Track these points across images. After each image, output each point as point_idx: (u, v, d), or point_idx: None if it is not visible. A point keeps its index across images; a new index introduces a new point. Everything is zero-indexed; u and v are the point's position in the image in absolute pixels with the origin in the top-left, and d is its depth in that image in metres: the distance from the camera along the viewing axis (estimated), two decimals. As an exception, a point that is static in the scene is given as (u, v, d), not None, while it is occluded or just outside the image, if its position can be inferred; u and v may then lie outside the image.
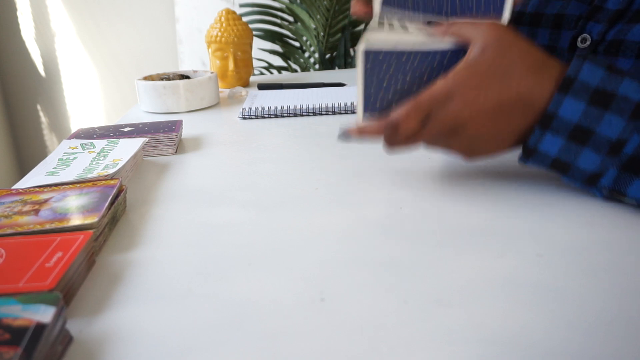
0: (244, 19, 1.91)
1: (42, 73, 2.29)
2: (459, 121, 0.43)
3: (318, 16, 1.84)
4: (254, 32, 1.90)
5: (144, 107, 0.91)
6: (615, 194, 0.42)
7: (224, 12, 1.06)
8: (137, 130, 0.70)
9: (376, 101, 0.46)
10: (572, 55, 0.57)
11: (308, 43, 1.96)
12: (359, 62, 0.45)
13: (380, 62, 0.45)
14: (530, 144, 0.43)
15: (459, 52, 0.44)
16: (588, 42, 0.55)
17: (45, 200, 0.45)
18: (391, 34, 0.45)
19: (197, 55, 2.21)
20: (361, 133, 0.46)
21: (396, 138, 0.45)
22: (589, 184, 0.43)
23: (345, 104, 0.82)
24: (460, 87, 0.42)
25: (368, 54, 0.45)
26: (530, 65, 0.42)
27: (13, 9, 2.19)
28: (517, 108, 0.42)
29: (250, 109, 0.83)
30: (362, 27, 1.96)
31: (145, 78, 0.95)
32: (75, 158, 0.58)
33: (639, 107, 0.39)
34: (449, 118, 0.43)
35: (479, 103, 0.42)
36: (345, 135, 0.47)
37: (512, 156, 0.57)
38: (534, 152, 0.43)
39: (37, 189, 0.48)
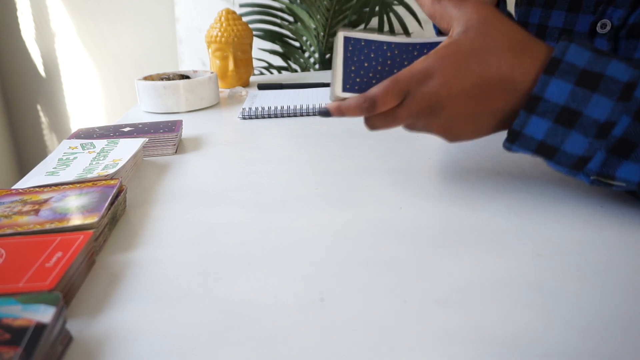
0: (244, 19, 1.91)
1: (42, 73, 2.28)
2: (438, 100, 0.42)
3: (318, 16, 1.84)
4: (254, 32, 1.90)
5: (144, 107, 0.91)
6: (602, 178, 0.41)
7: (224, 12, 1.07)
8: (137, 130, 0.70)
9: (355, 79, 0.46)
10: (592, 40, 0.56)
11: (308, 43, 1.96)
12: (338, 46, 0.44)
13: (362, 47, 0.44)
14: (515, 127, 0.42)
15: (439, 44, 0.44)
16: (608, 28, 0.54)
17: (45, 200, 0.45)
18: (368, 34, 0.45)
19: (197, 55, 2.21)
20: (340, 110, 0.46)
21: (375, 116, 0.44)
22: (576, 169, 0.42)
23: (345, 104, 0.82)
24: (440, 65, 0.41)
25: (349, 39, 0.44)
26: (512, 46, 0.41)
27: (13, 9, 2.19)
28: (497, 89, 0.41)
29: (250, 109, 0.83)
30: (362, 27, 1.96)
31: (145, 78, 0.95)
32: (75, 158, 0.58)
33: (627, 88, 0.38)
34: (428, 96, 0.42)
35: (458, 82, 0.41)
36: (325, 111, 0.47)
37: (511, 156, 0.57)
38: (519, 136, 0.42)
39: (37, 189, 0.48)
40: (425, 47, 0.44)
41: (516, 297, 0.32)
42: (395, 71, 0.45)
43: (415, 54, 0.45)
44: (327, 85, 1.04)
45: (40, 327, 0.27)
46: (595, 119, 0.39)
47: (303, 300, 0.33)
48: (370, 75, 0.45)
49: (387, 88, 0.43)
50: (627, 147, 0.39)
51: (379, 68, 0.45)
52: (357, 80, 0.46)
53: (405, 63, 0.45)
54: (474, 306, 0.31)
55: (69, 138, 0.67)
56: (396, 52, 0.44)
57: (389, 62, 0.45)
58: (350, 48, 0.44)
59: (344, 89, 0.46)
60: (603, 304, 0.31)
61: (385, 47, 0.44)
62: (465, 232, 0.41)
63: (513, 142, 0.43)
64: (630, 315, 0.30)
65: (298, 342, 0.29)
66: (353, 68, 0.45)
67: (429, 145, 0.63)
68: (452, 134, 0.45)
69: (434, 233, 0.41)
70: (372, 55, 0.45)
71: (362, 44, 0.44)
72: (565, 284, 0.33)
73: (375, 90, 0.43)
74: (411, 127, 0.46)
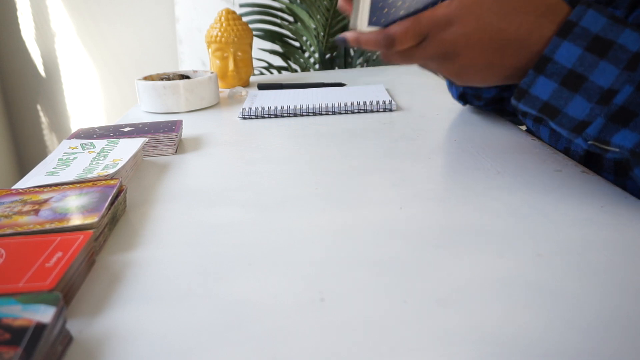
0: (244, 19, 1.91)
1: (42, 73, 2.29)
2: (454, 48, 0.43)
3: (318, 16, 1.84)
4: (254, 32, 1.90)
5: (144, 107, 0.91)
6: (599, 144, 0.42)
7: (224, 12, 1.06)
8: (137, 130, 0.70)
9: (383, 10, 0.45)
10: None
11: (308, 43, 1.96)
12: None
13: None
14: (522, 85, 0.43)
15: None
16: None
17: (45, 200, 0.45)
18: None
19: (197, 55, 2.21)
20: (358, 41, 0.46)
21: (391, 52, 0.45)
22: (575, 132, 0.43)
23: (345, 104, 0.82)
24: (462, 15, 0.42)
25: None
26: (536, 8, 0.42)
27: (13, 9, 2.19)
28: (513, 47, 0.42)
29: (250, 109, 0.83)
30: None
31: (145, 78, 0.95)
32: (75, 158, 0.58)
33: (635, 58, 0.39)
34: (445, 44, 0.43)
35: (477, 35, 0.42)
36: (343, 40, 0.47)
37: (511, 156, 0.57)
38: (525, 95, 0.43)
39: (37, 189, 0.48)
40: None
41: (516, 297, 0.32)
42: (422, 7, 0.45)
43: None
44: (327, 85, 1.04)
45: (40, 327, 0.27)
46: (599, 85, 0.40)
47: (303, 300, 0.33)
48: (399, 5, 0.45)
49: (407, 28, 0.43)
50: (626, 115, 0.40)
51: (407, 4, 0.44)
52: (385, 11, 0.45)
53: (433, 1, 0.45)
54: (474, 306, 0.31)
55: (69, 138, 0.67)
56: None
57: None
58: None
59: (370, 22, 0.45)
60: (603, 304, 0.31)
61: None
62: (465, 232, 0.41)
63: (519, 100, 0.44)
64: (630, 315, 0.30)
65: (298, 342, 0.29)
66: (381, 1, 0.44)
67: (429, 145, 0.63)
68: (462, 79, 0.46)
69: (434, 233, 0.41)
70: None
71: None
72: (565, 284, 0.33)
73: (395, 28, 0.44)
74: (424, 65, 0.48)
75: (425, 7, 0.45)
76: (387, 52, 0.45)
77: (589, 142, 0.42)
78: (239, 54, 1.07)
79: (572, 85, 0.41)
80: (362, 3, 0.45)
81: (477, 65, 0.44)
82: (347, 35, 0.47)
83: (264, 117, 0.82)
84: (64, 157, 0.59)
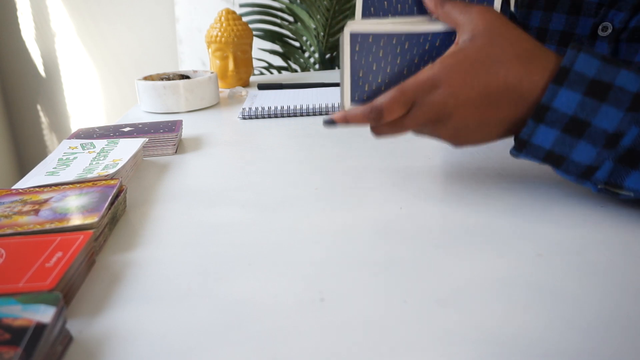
0: (244, 19, 1.91)
1: (42, 73, 2.28)
2: (444, 110, 0.42)
3: (318, 16, 1.84)
4: (254, 32, 1.90)
5: (144, 107, 0.91)
6: (610, 187, 0.41)
7: (224, 12, 1.06)
8: (137, 130, 0.70)
9: (364, 87, 0.45)
10: (593, 43, 0.56)
11: (308, 43, 1.96)
12: (345, 45, 0.43)
13: (370, 45, 0.43)
14: (522, 136, 0.42)
15: (451, 34, 0.43)
16: (609, 31, 0.53)
17: (45, 200, 0.45)
18: (378, 23, 0.44)
19: (197, 55, 2.21)
20: (345, 119, 0.45)
21: (381, 125, 0.44)
22: (584, 178, 0.42)
23: (345, 104, 0.82)
24: (447, 75, 0.41)
25: (356, 36, 0.42)
26: (520, 55, 0.41)
27: (13, 9, 2.19)
28: (505, 98, 0.41)
29: (250, 109, 0.83)
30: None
31: (145, 78, 0.95)
32: (75, 158, 0.58)
33: (637, 99, 0.38)
34: (435, 107, 0.42)
35: (465, 92, 0.41)
36: (330, 121, 0.46)
37: (511, 156, 0.57)
38: (527, 145, 0.42)
39: (37, 189, 0.48)
40: (438, 38, 0.43)
41: (516, 297, 0.32)
42: (405, 71, 0.44)
43: (427, 46, 0.43)
44: (327, 85, 1.04)
45: (40, 327, 0.27)
46: (604, 129, 0.39)
47: (303, 300, 0.33)
48: (379, 80, 0.44)
49: (393, 98, 0.42)
50: (635, 157, 0.39)
51: (388, 69, 0.44)
52: (366, 88, 0.45)
53: (416, 60, 0.44)
54: (474, 306, 0.31)
55: (69, 138, 0.67)
56: (406, 46, 0.43)
57: (398, 59, 0.44)
58: (357, 48, 0.43)
59: (353, 100, 0.45)
60: (603, 304, 0.31)
61: (394, 41, 0.43)
62: (465, 232, 0.41)
63: (521, 150, 0.43)
64: (630, 315, 0.30)
65: (298, 342, 0.29)
66: (361, 74, 0.44)
67: (429, 145, 0.63)
68: (459, 141, 0.45)
69: (434, 233, 0.41)
70: (381, 54, 0.43)
71: (370, 40, 0.43)
72: (565, 284, 0.33)
73: (381, 100, 0.43)
74: (418, 132, 0.47)
75: (407, 75, 0.44)
76: (376, 124, 0.44)
77: (599, 187, 0.41)
78: (239, 54, 1.07)
79: (576, 132, 0.40)
80: (344, 83, 0.44)
81: (472, 123, 0.43)
82: (334, 115, 0.46)
83: (264, 117, 0.82)
84: (64, 157, 0.59)
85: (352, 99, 0.45)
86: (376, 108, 0.43)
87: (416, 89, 0.42)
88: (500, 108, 0.41)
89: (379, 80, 0.45)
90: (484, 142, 0.45)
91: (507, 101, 0.41)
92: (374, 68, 0.44)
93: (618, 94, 0.38)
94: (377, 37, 0.43)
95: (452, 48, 0.42)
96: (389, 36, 0.43)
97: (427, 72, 0.42)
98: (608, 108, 0.39)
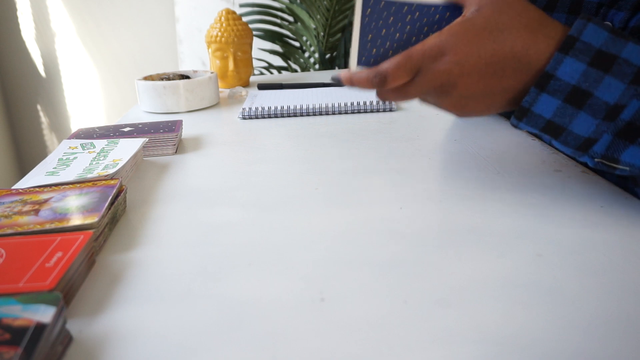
0: (244, 19, 1.91)
1: (42, 73, 2.29)
2: (449, 79, 0.42)
3: (318, 16, 1.84)
4: (254, 32, 1.90)
5: (144, 107, 0.91)
6: (607, 161, 0.40)
7: (224, 12, 1.07)
8: (137, 130, 0.70)
9: (372, 51, 0.45)
10: None
11: (308, 43, 1.96)
12: (357, 9, 0.43)
13: (380, 10, 0.43)
14: (524, 104, 0.42)
15: (461, 8, 0.43)
16: None
17: (45, 200, 0.45)
18: None
19: (197, 55, 2.21)
20: (351, 81, 0.45)
21: (385, 90, 0.44)
22: (581, 150, 0.41)
23: (345, 104, 0.82)
24: (453, 43, 0.41)
25: (368, 0, 0.43)
26: (527, 24, 0.40)
27: (13, 9, 2.19)
28: (510, 67, 0.41)
29: (250, 109, 0.83)
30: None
31: (145, 78, 0.95)
32: (75, 158, 0.58)
33: None
34: (439, 75, 0.42)
35: (471, 61, 0.41)
36: (337, 79, 0.46)
37: (511, 156, 0.57)
38: (528, 113, 0.42)
39: (37, 189, 0.48)
40: (448, 10, 0.44)
41: (516, 297, 0.32)
42: (413, 39, 0.44)
43: (437, 17, 0.44)
44: (327, 85, 1.04)
45: (40, 327, 0.27)
46: (605, 101, 0.39)
47: (303, 300, 0.33)
48: (387, 46, 0.45)
49: (398, 64, 0.42)
50: (634, 131, 0.38)
51: (397, 36, 0.44)
52: (373, 52, 0.45)
53: (425, 29, 0.44)
54: (474, 306, 0.31)
55: (69, 138, 0.67)
56: (417, 14, 0.43)
57: (408, 27, 0.44)
58: (368, 12, 0.43)
59: (360, 62, 0.45)
60: (603, 304, 0.31)
61: (405, 9, 0.43)
62: (465, 232, 0.41)
63: (521, 119, 0.43)
64: (630, 315, 0.30)
65: (298, 342, 0.29)
66: (370, 37, 0.44)
67: (429, 145, 0.63)
68: (463, 111, 0.45)
69: (434, 233, 0.41)
70: (391, 20, 0.43)
71: (381, 6, 0.43)
72: (565, 284, 0.33)
73: (387, 65, 0.43)
74: (423, 101, 0.46)
75: (414, 43, 0.44)
76: (380, 89, 0.44)
77: (596, 160, 0.41)
78: (239, 54, 1.07)
79: (577, 102, 0.39)
80: (353, 44, 0.45)
81: (476, 93, 0.42)
82: (341, 74, 0.46)
83: (264, 117, 0.82)
84: (64, 157, 0.59)
85: (359, 61, 0.45)
86: (380, 73, 0.43)
87: (422, 56, 0.42)
88: (505, 77, 0.41)
89: (387, 46, 0.45)
90: (488, 112, 0.45)
91: (512, 70, 0.41)
92: (383, 33, 0.44)
93: (622, 66, 0.38)
94: (389, 4, 0.43)
95: (460, 18, 0.42)
96: (401, 4, 0.43)
97: (434, 39, 0.42)
98: (611, 79, 0.38)
